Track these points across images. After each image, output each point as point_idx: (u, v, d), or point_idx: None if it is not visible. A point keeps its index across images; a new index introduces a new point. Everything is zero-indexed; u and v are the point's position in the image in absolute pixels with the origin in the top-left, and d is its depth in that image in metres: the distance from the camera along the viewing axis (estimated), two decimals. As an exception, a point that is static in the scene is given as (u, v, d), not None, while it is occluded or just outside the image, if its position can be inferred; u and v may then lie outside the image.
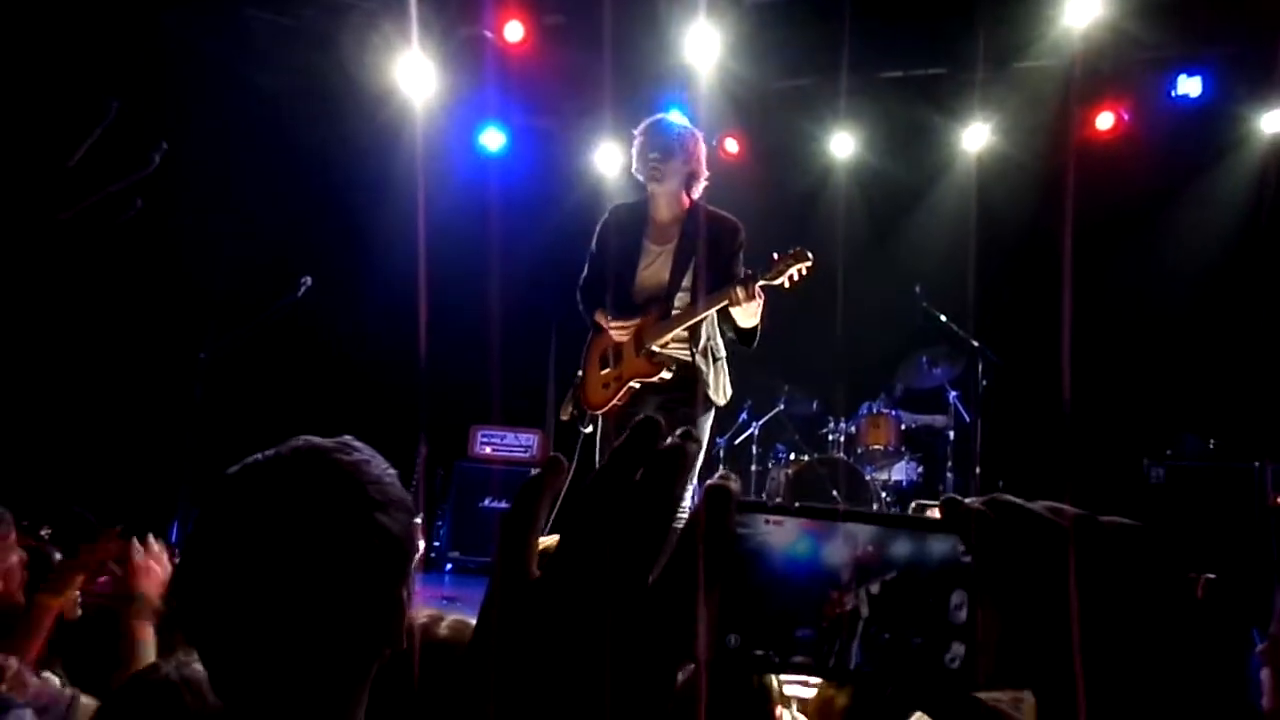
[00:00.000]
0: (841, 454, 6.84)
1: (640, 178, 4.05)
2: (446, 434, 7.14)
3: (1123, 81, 7.08)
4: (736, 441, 7.25)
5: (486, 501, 6.89)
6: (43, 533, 3.30)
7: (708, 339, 3.96)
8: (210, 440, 5.65)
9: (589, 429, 4.06)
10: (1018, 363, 6.63)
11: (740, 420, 7.27)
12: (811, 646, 0.53)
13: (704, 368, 3.91)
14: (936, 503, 0.56)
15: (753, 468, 7.11)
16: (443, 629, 1.47)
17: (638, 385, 3.91)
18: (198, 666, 1.46)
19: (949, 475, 6.81)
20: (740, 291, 3.63)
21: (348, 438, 1.04)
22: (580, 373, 4.15)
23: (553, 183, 8.33)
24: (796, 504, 0.54)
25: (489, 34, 6.76)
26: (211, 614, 0.95)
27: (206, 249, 6.64)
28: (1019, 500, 0.54)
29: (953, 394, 6.89)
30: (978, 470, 6.57)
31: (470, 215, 7.35)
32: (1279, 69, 6.34)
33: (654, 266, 3.97)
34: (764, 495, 7.07)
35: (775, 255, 3.74)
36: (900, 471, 6.94)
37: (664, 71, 7.11)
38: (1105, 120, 7.19)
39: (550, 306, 8.93)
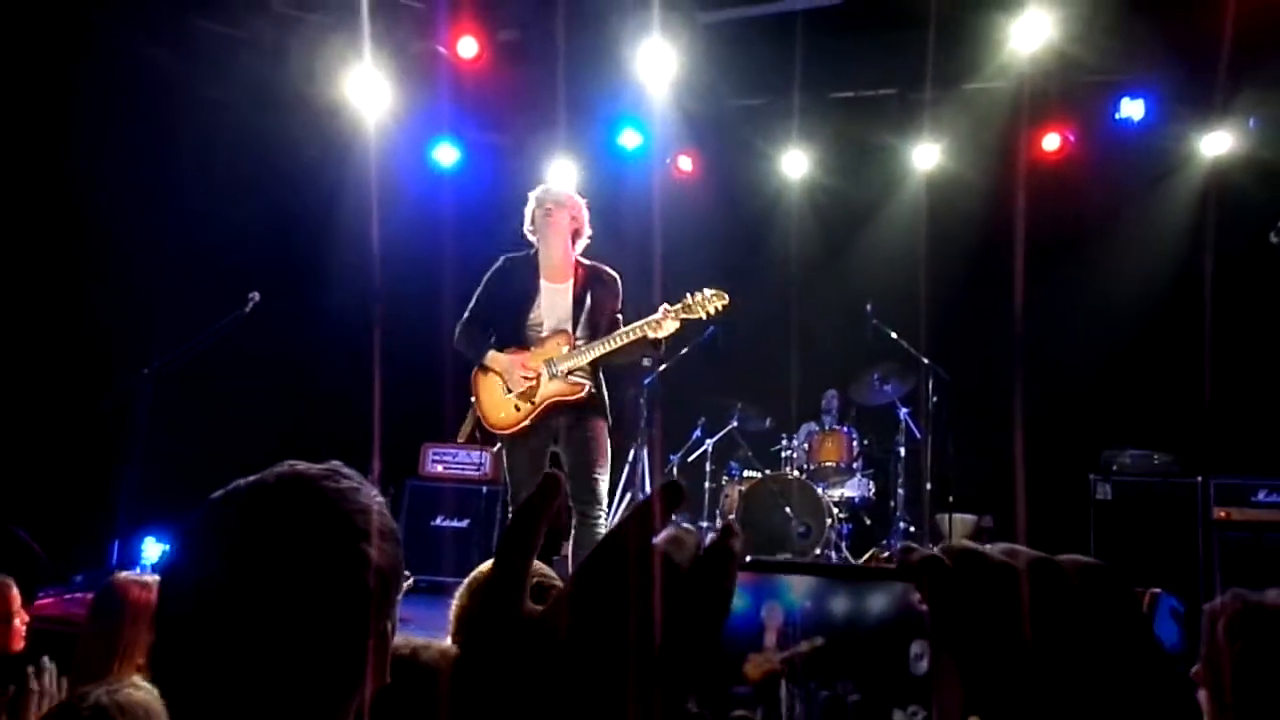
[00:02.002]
0: (794, 471, 6.87)
1: (531, 229, 4.60)
2: (397, 452, 7.06)
3: (1068, 104, 7.22)
4: (690, 459, 7.24)
5: (438, 520, 6.82)
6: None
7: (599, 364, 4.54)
8: (153, 459, 5.54)
9: (496, 447, 4.50)
10: (967, 379, 6.71)
11: (694, 437, 7.27)
12: (748, 702, 0.52)
13: (601, 390, 4.51)
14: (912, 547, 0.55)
15: (706, 485, 7.11)
16: (404, 648, 1.44)
17: (551, 404, 4.43)
18: (129, 691, 1.43)
19: (900, 491, 6.87)
20: (661, 321, 4.32)
21: (336, 463, 1.01)
22: (474, 399, 4.61)
23: (506, 199, 8.28)
24: (748, 559, 0.52)
25: (442, 49, 6.73)
26: (189, 643, 0.92)
27: (151, 262, 6.53)
28: (974, 545, 0.53)
29: (903, 411, 6.96)
30: (929, 486, 6.63)
31: (423, 230, 7.30)
32: (1218, 93, 6.51)
33: (551, 303, 4.50)
34: (717, 513, 7.07)
35: (690, 294, 4.43)
36: (853, 488, 6.98)
37: (618, 89, 7.13)
38: (1051, 142, 7.33)
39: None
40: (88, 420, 5.65)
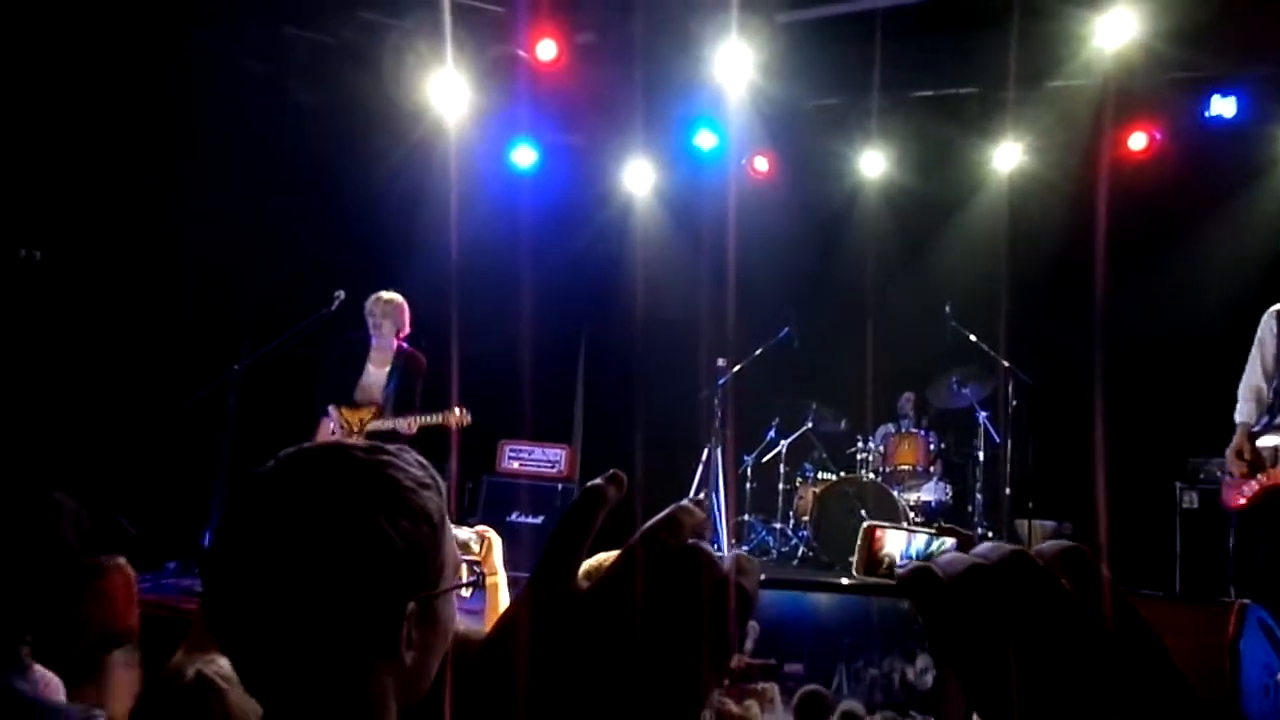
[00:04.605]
0: (869, 474, 6.82)
1: (371, 321, 5.95)
2: (475, 448, 7.18)
3: (1155, 101, 7.04)
4: (764, 460, 7.24)
5: (514, 516, 6.91)
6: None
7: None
8: (244, 450, 5.72)
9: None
10: (1049, 383, 6.60)
11: (768, 438, 7.27)
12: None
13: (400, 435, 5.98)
14: (950, 527, 0.58)
15: (780, 486, 7.11)
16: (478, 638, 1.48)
17: None
18: (222, 661, 1.49)
19: (978, 496, 6.78)
20: (450, 418, 5.83)
21: (375, 444, 1.06)
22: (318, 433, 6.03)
23: (583, 199, 8.39)
24: (763, 577, 0.56)
25: (522, 53, 6.82)
26: (227, 608, 0.97)
27: (243, 262, 6.74)
28: (961, 555, 0.54)
29: (982, 414, 6.86)
30: (1008, 491, 6.53)
31: (501, 230, 7.42)
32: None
33: (372, 380, 6.00)
34: (790, 514, 7.05)
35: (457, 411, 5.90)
36: (930, 492, 6.91)
37: (695, 90, 7.15)
38: (1138, 140, 7.15)
39: (579, 322, 8.98)
40: (181, 413, 5.87)
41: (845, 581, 0.61)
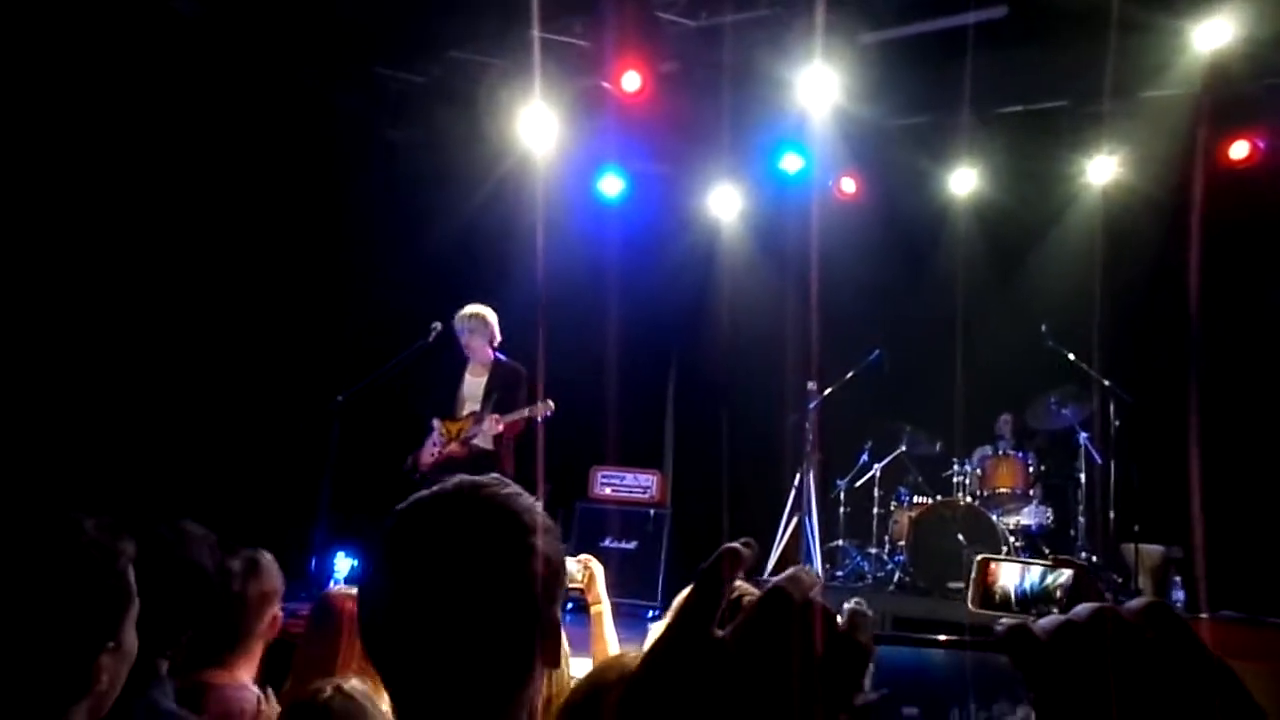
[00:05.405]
0: (966, 497, 6.69)
1: (464, 340, 6.13)
2: (567, 475, 7.26)
3: (1257, 109, 6.80)
4: (857, 484, 7.16)
5: (607, 541, 6.96)
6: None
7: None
8: (347, 477, 5.90)
9: (416, 478, 6.05)
10: (1151, 401, 6.40)
11: (861, 462, 7.18)
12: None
13: (499, 453, 6.08)
14: (1066, 558, 0.60)
15: (874, 510, 7.01)
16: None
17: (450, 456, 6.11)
18: (355, 683, 1.56)
19: (1081, 520, 6.59)
20: (531, 413, 5.99)
21: (495, 475, 1.12)
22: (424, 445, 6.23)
23: (670, 225, 8.45)
24: (877, 633, 0.60)
25: (607, 85, 6.91)
26: (388, 636, 1.03)
27: (340, 295, 6.96)
28: (1056, 616, 0.58)
29: (1083, 435, 6.68)
30: (1111, 514, 6.34)
31: (590, 258, 7.52)
32: None
33: (470, 390, 6.19)
34: (886, 539, 6.96)
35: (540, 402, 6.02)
36: (1029, 515, 6.73)
37: (779, 113, 7.16)
38: (1239, 149, 6.91)
39: (668, 348, 9.02)
40: (286, 443, 6.07)
41: (952, 638, 0.64)
